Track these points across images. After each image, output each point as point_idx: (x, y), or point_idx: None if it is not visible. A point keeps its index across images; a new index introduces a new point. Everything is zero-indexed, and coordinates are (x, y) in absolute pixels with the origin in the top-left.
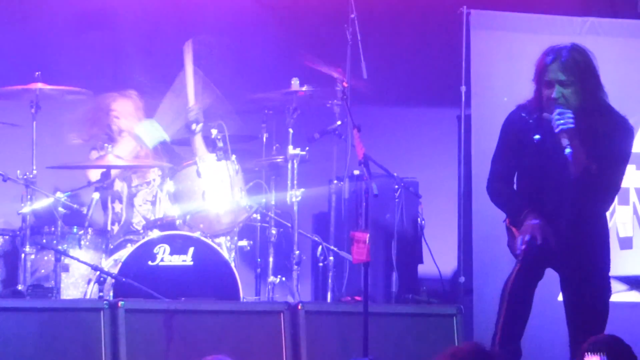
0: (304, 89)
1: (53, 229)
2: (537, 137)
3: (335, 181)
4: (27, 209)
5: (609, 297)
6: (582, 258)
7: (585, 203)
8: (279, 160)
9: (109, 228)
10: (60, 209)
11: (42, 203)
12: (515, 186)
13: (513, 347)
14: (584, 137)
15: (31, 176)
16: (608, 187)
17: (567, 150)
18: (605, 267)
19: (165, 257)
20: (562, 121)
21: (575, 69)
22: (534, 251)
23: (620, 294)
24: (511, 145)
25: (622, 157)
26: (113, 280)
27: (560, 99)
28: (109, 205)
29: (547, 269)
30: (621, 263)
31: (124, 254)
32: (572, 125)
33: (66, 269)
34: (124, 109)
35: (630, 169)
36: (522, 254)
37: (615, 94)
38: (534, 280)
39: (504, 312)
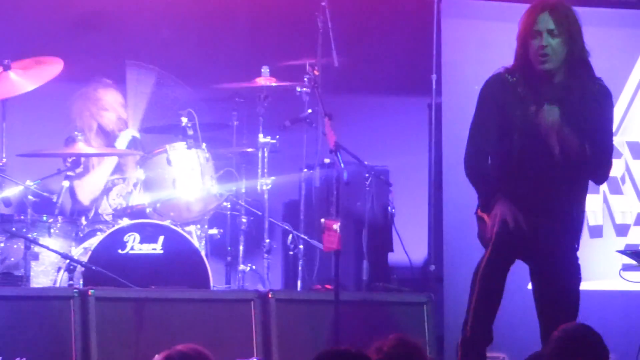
0: (273, 84)
1: (23, 216)
2: (532, 108)
3: (305, 169)
4: None
5: (579, 284)
6: (554, 246)
7: (578, 182)
8: (249, 149)
9: (83, 221)
10: (30, 197)
11: (11, 191)
12: (490, 162)
13: (485, 333)
14: (572, 111)
15: (0, 164)
16: (603, 160)
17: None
18: (575, 254)
19: (135, 245)
20: (550, 119)
21: (564, 20)
22: (505, 234)
23: (592, 282)
24: (493, 110)
25: (610, 125)
26: (83, 269)
27: (547, 48)
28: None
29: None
30: (591, 251)
31: (93, 242)
32: (558, 120)
33: (36, 257)
34: (112, 101)
35: None
36: (494, 237)
37: None
38: (505, 265)
39: (475, 297)
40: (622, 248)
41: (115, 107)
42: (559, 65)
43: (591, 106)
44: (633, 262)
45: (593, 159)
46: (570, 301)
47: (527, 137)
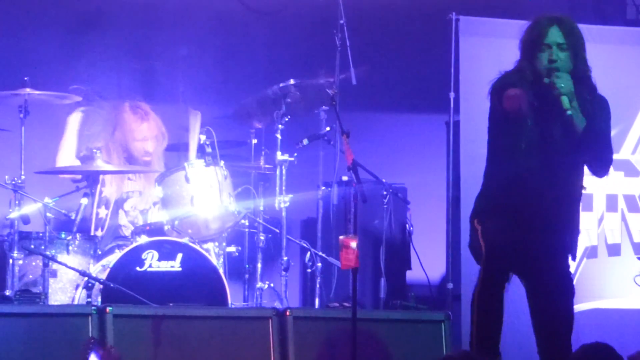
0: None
1: (41, 234)
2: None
3: (323, 187)
4: (15, 214)
5: (573, 297)
6: (552, 262)
7: (582, 166)
8: (267, 171)
9: (92, 233)
10: (48, 214)
11: (30, 208)
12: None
13: (491, 355)
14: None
15: (19, 181)
16: (606, 148)
17: (569, 112)
18: (568, 265)
19: (153, 262)
20: (563, 85)
21: (571, 34)
22: (496, 251)
23: (609, 301)
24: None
25: (609, 129)
26: (101, 286)
27: (558, 61)
28: (94, 210)
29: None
30: (609, 270)
31: (112, 259)
32: (572, 88)
33: (54, 274)
34: (146, 132)
35: (618, 175)
36: (484, 256)
37: None
38: (500, 284)
39: (475, 322)
40: None
41: (148, 139)
42: None
43: (594, 112)
44: None
45: (599, 137)
46: (566, 314)
47: (534, 145)
